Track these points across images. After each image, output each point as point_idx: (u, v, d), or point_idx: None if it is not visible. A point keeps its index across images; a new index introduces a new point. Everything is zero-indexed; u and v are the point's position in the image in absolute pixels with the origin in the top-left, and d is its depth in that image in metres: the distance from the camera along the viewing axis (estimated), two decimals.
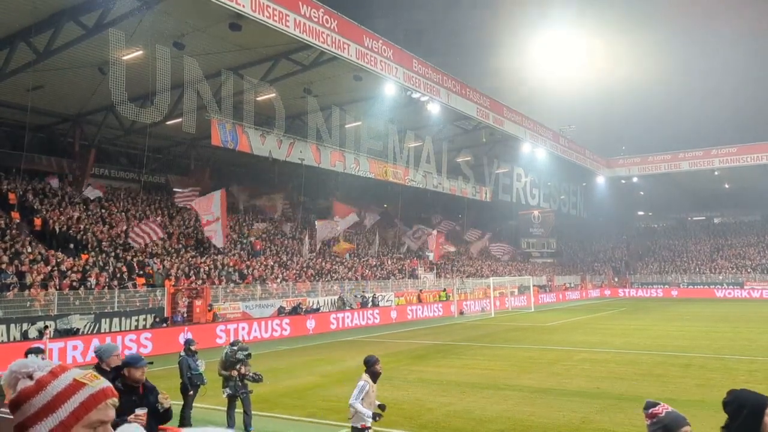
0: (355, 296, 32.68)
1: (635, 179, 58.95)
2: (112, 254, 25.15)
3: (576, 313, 36.85)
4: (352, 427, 7.23)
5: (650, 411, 2.98)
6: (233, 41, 22.79)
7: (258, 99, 26.06)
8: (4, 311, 19.07)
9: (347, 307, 31.05)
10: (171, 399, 5.66)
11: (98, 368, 6.00)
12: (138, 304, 22.79)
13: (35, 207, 26.09)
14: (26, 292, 20.04)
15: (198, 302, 23.90)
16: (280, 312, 27.43)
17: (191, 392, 9.78)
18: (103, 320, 21.02)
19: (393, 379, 14.00)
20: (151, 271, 25.00)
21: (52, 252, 23.16)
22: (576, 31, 76.89)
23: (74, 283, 21.58)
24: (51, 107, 27.89)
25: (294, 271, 32.01)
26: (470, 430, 9.92)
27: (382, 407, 7.32)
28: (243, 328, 23.98)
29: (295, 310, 27.84)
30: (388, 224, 48.11)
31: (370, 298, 33.01)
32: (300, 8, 22.88)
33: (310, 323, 27.25)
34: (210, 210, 28.36)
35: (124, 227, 27.75)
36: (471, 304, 38.91)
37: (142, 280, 24.21)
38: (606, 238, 70.57)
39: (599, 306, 43.64)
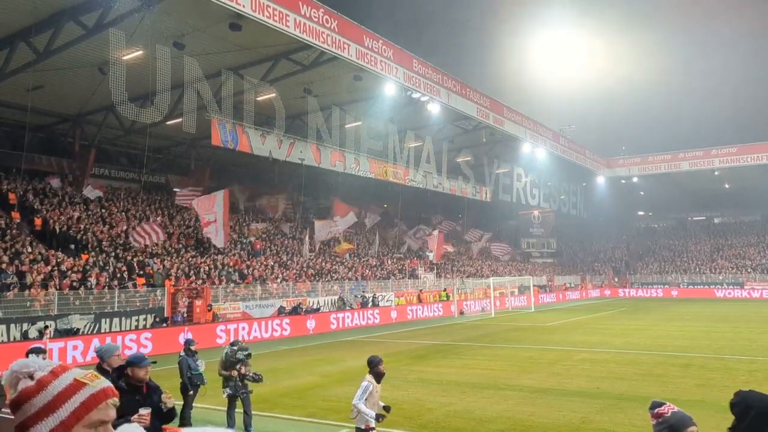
0: (355, 296, 32.69)
1: (635, 179, 58.95)
2: (112, 254, 25.16)
3: (576, 313, 36.85)
4: (356, 428, 7.19)
5: (656, 411, 2.98)
6: (233, 41, 22.79)
7: (258, 99, 26.06)
8: (4, 311, 19.08)
9: (347, 307, 31.05)
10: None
11: (99, 368, 6.00)
12: (138, 304, 22.79)
13: (35, 207, 26.10)
14: (26, 292, 20.05)
15: (198, 302, 23.90)
16: (280, 312, 27.43)
17: (191, 392, 9.78)
18: (103, 320, 21.03)
19: (393, 379, 13.98)
20: (151, 271, 25.01)
21: (52, 252, 23.16)
22: (576, 31, 76.92)
23: (74, 283, 21.59)
24: (51, 107, 27.89)
25: (294, 271, 32.01)
26: (470, 430, 9.93)
27: (386, 408, 7.26)
28: (243, 328, 23.98)
29: (295, 310, 27.84)
30: (388, 224, 48.12)
31: (370, 298, 33.02)
32: (300, 8, 22.89)
33: (310, 323, 27.25)
34: (212, 210, 28.35)
35: (124, 227, 27.77)
36: (471, 304, 38.91)
37: (142, 280, 24.22)
38: (606, 238, 70.58)
39: (599, 306, 43.64)
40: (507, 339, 23.57)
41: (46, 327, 18.43)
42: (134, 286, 23.56)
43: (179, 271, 25.98)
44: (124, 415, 4.46)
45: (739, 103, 75.94)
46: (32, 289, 20.19)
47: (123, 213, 29.37)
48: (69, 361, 17.58)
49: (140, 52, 21.38)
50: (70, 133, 30.52)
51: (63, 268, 22.16)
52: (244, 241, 33.17)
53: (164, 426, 5.46)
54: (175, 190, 34.22)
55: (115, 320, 21.49)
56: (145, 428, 4.58)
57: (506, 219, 62.04)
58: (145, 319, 22.47)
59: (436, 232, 45.38)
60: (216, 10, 20.07)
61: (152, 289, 23.76)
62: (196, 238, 30.39)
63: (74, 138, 30.20)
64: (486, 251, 55.72)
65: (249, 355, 9.76)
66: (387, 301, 34.48)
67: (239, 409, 9.77)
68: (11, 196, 25.98)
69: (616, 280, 62.44)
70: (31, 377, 1.52)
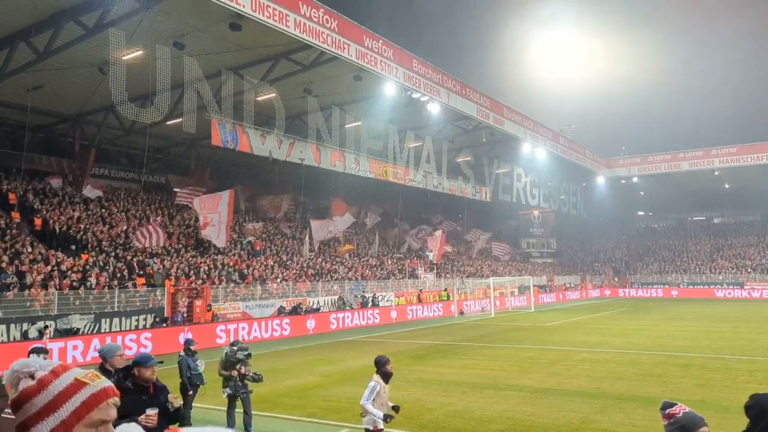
0: (355, 296, 32.69)
1: (635, 179, 58.94)
2: (112, 254, 25.16)
3: (576, 313, 36.85)
4: (365, 429, 7.15)
5: (667, 411, 2.97)
6: (233, 41, 22.79)
7: (258, 99, 26.06)
8: (4, 311, 19.07)
9: (347, 307, 31.06)
10: None
11: (102, 368, 6.00)
12: (138, 304, 22.79)
13: (35, 207, 26.10)
14: (26, 292, 20.05)
15: (198, 302, 23.90)
16: (280, 312, 27.43)
17: (191, 392, 9.78)
18: (103, 320, 21.03)
19: (393, 379, 13.89)
20: (151, 271, 25.01)
21: (52, 252, 23.16)
22: (576, 31, 76.99)
23: (74, 283, 21.59)
24: (51, 107, 27.89)
25: (294, 271, 32.02)
26: (470, 430, 9.93)
27: (395, 408, 7.20)
28: (243, 328, 23.99)
29: (295, 310, 27.84)
30: (388, 224, 48.12)
31: (370, 298, 33.02)
32: (300, 8, 22.88)
33: (310, 323, 27.25)
34: (216, 209, 28.35)
35: (124, 227, 27.78)
36: (471, 304, 38.91)
37: (142, 280, 24.22)
38: (606, 238, 70.58)
39: (599, 306, 43.64)
40: (507, 339, 23.57)
41: (46, 327, 18.44)
42: (134, 286, 23.56)
43: (179, 271, 25.99)
44: (131, 415, 4.45)
45: (739, 103, 76.06)
46: (32, 289, 20.19)
47: (123, 213, 29.38)
48: (69, 361, 17.58)
49: (140, 52, 21.38)
50: (70, 133, 30.52)
51: (63, 268, 22.16)
52: (244, 241, 33.17)
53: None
54: (175, 190, 34.23)
55: (115, 320, 21.50)
56: (152, 428, 4.58)
57: (506, 219, 62.03)
58: (145, 319, 22.48)
59: (438, 232, 45.41)
60: (216, 10, 20.07)
61: (152, 289, 23.76)
62: (196, 238, 30.38)
63: (74, 138, 30.19)
64: (486, 251, 55.73)
65: (249, 355, 9.76)
66: (387, 301, 34.48)
67: (239, 409, 9.77)
68: (11, 196, 25.98)
69: (616, 280, 62.44)
70: (32, 377, 1.52)
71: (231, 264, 29.36)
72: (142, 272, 24.77)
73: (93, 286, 22.05)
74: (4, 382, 1.54)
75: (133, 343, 19.70)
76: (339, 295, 31.95)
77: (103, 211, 28.63)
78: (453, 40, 78.34)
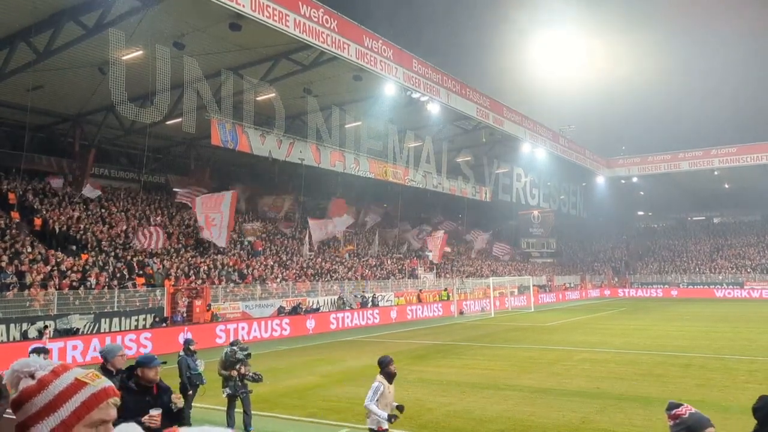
0: (355, 296, 32.70)
1: (635, 179, 58.94)
2: (112, 254, 25.16)
3: (576, 313, 36.86)
4: (369, 429, 7.14)
5: (673, 412, 2.96)
6: (233, 41, 22.79)
7: (258, 99, 26.07)
8: (4, 311, 19.06)
9: (347, 307, 31.05)
10: None
11: (103, 369, 6.00)
12: (138, 304, 22.79)
13: (35, 207, 26.09)
14: (26, 291, 20.05)
15: (198, 302, 23.90)
16: (280, 312, 27.43)
17: (190, 392, 9.78)
18: (102, 320, 21.02)
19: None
20: (150, 271, 25.01)
21: (52, 252, 23.16)
22: (576, 31, 76.95)
23: (74, 283, 21.59)
24: (51, 107, 27.89)
25: (294, 271, 32.01)
26: (470, 430, 9.93)
27: (400, 408, 7.15)
28: (243, 328, 23.98)
29: (295, 310, 27.84)
30: (388, 224, 48.13)
31: (370, 298, 33.02)
32: (300, 8, 22.88)
33: (310, 323, 27.25)
34: (218, 209, 28.37)
35: (124, 227, 27.79)
36: (471, 304, 38.91)
37: (142, 280, 24.22)
38: (606, 238, 70.60)
39: (599, 306, 43.65)
40: (507, 339, 23.57)
41: (46, 327, 18.43)
42: (134, 285, 23.56)
43: (179, 270, 25.99)
44: (134, 415, 4.44)
45: (739, 103, 76.00)
46: (32, 289, 20.18)
47: (123, 213, 29.38)
48: (69, 361, 17.58)
49: (140, 52, 21.38)
50: (70, 133, 30.51)
51: (63, 267, 22.16)
52: (244, 241, 33.17)
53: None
54: (175, 190, 34.23)
55: (115, 320, 21.49)
56: (155, 429, 4.58)
57: (506, 219, 62.01)
58: (145, 319, 22.47)
59: (440, 233, 45.45)
60: (216, 10, 20.07)
61: (152, 289, 23.76)
62: (196, 238, 30.38)
63: (74, 138, 30.18)
64: (486, 251, 55.73)
65: (249, 355, 9.77)
66: (387, 301, 34.48)
67: (239, 409, 9.77)
68: (11, 196, 25.97)
69: (615, 280, 62.44)
70: (32, 377, 1.52)
71: (231, 264, 29.36)
72: (141, 272, 24.76)
73: (93, 286, 22.05)
74: (4, 382, 1.54)
75: (133, 343, 19.70)
76: (339, 295, 31.95)
77: (103, 211, 28.63)
78: (453, 40, 78.36)
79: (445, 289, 39.72)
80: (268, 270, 30.53)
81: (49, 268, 21.75)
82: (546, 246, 63.65)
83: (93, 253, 24.57)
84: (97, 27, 19.73)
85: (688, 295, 53.66)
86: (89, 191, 28.89)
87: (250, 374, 9.74)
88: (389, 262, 41.42)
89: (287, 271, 31.54)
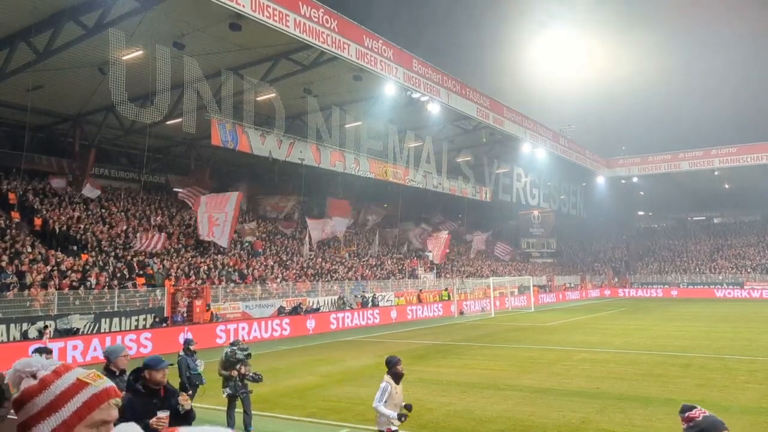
0: (355, 296, 32.70)
1: (635, 179, 58.94)
2: (112, 254, 25.16)
3: (576, 313, 36.86)
4: (378, 431, 7.12)
5: (687, 414, 2.93)
6: (233, 41, 22.79)
7: (258, 99, 26.06)
8: (4, 311, 19.07)
9: (347, 307, 31.06)
10: None
11: (106, 369, 5.99)
12: (138, 304, 22.80)
13: (35, 207, 26.10)
14: (26, 291, 20.05)
15: (198, 302, 23.90)
16: (280, 312, 27.43)
17: (190, 392, 9.78)
18: (103, 320, 21.03)
19: None
20: (151, 271, 25.01)
21: (52, 252, 23.16)
22: (576, 31, 76.99)
23: (74, 283, 21.59)
24: (51, 107, 27.89)
25: (294, 271, 32.01)
26: (470, 430, 9.93)
27: (407, 407, 7.10)
28: (243, 328, 23.98)
29: (295, 310, 27.84)
30: (388, 224, 48.13)
31: (370, 298, 33.02)
32: (300, 8, 22.88)
33: (310, 323, 27.25)
34: (223, 209, 28.39)
35: (124, 227, 27.79)
36: (471, 304, 38.91)
37: (142, 280, 24.22)
38: (606, 238, 70.59)
39: (599, 306, 43.65)
40: (507, 339, 23.57)
41: (46, 327, 18.44)
42: (134, 286, 23.56)
43: (179, 271, 25.99)
44: (141, 417, 4.43)
45: (739, 103, 75.98)
46: (32, 289, 20.19)
47: (123, 213, 29.39)
48: (69, 361, 17.58)
49: (140, 52, 21.38)
50: (70, 133, 30.51)
51: (63, 267, 22.16)
52: (244, 241, 33.16)
53: None
54: (176, 190, 34.23)
55: (115, 320, 21.50)
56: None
57: (506, 219, 62.02)
58: (145, 319, 22.48)
59: (444, 234, 45.46)
60: (216, 10, 20.06)
61: (152, 289, 23.77)
62: (196, 238, 30.38)
63: (74, 138, 30.19)
64: (486, 251, 55.73)
65: (249, 355, 9.76)
66: (387, 301, 34.48)
67: (239, 409, 9.78)
68: (11, 196, 25.98)
69: (615, 280, 62.44)
70: (34, 376, 1.52)
71: (231, 264, 29.36)
72: (142, 272, 24.77)
73: (93, 286, 22.05)
74: (6, 381, 1.54)
75: (133, 343, 19.70)
76: (339, 295, 31.95)
77: (103, 211, 28.64)
78: (453, 40, 78.33)
79: (446, 289, 39.73)
80: (269, 270, 30.54)
81: (49, 268, 21.76)
82: (546, 246, 63.66)
83: (93, 253, 24.57)
84: (97, 27, 19.73)
85: (689, 295, 53.66)
86: (89, 191, 28.91)
87: (251, 374, 9.74)
88: (389, 262, 41.42)
89: (287, 271, 31.54)
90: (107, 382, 1.58)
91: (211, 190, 31.51)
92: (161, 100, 22.06)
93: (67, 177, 29.95)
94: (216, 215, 28.34)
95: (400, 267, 41.28)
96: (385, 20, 59.60)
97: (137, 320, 22.22)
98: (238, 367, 9.63)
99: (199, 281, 26.07)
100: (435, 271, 43.50)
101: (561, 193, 55.61)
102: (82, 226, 25.88)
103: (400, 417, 6.90)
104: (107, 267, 23.83)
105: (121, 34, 19.36)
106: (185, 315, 23.45)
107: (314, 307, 29.50)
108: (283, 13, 21.98)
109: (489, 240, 56.35)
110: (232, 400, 9.72)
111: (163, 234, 27.33)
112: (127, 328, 21.37)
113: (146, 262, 25.61)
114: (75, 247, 24.46)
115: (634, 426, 9.76)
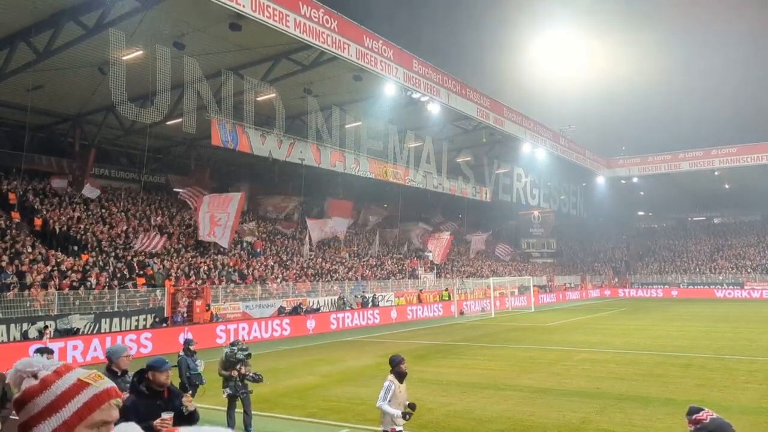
0: (355, 296, 32.69)
1: (635, 179, 58.93)
2: (112, 254, 25.16)
3: (576, 313, 36.86)
4: (383, 431, 7.11)
5: (694, 417, 2.91)
6: (233, 41, 22.79)
7: (258, 99, 26.06)
8: (4, 311, 19.08)
9: (347, 307, 31.06)
10: None
11: (108, 369, 5.99)
12: (138, 304, 22.80)
13: (35, 207, 26.10)
14: (26, 292, 20.05)
15: (198, 302, 23.91)
16: (280, 312, 27.43)
17: (190, 392, 9.77)
18: (103, 320, 21.03)
19: None
20: (151, 271, 25.02)
21: (52, 252, 23.16)
22: (576, 31, 76.96)
23: (74, 283, 21.59)
24: (51, 107, 27.89)
25: (294, 271, 32.01)
26: (470, 430, 9.93)
27: (411, 406, 7.10)
28: (243, 328, 23.98)
29: (295, 310, 27.84)
30: (388, 224, 48.14)
31: (370, 298, 33.02)
32: (300, 8, 22.88)
33: (310, 323, 27.25)
34: (225, 209, 28.40)
35: (124, 227, 27.79)
36: (471, 304, 38.91)
37: (143, 280, 24.23)
38: (606, 238, 70.59)
39: (599, 306, 43.65)
40: (507, 339, 23.57)
41: (46, 327, 18.44)
42: (134, 286, 23.56)
43: (179, 271, 25.99)
44: (145, 419, 4.43)
45: (739, 103, 75.97)
46: (32, 289, 20.19)
47: (123, 213, 29.39)
48: (69, 361, 17.57)
49: (140, 52, 21.39)
50: (70, 133, 30.51)
51: (63, 268, 22.16)
52: (243, 241, 33.16)
53: None
54: (176, 190, 34.23)
55: (115, 320, 21.50)
56: None
57: (506, 219, 62.03)
58: (145, 319, 22.48)
59: (446, 235, 45.44)
60: (216, 10, 20.07)
61: (152, 289, 23.77)
62: (196, 238, 30.38)
63: (74, 138, 30.19)
64: (486, 251, 55.72)
65: (249, 355, 9.76)
66: (387, 301, 34.48)
67: (239, 409, 9.78)
68: (11, 196, 25.99)
69: (616, 280, 62.44)
70: (35, 376, 1.52)
71: (231, 264, 29.36)
72: (142, 272, 24.77)
73: (93, 286, 22.05)
74: (8, 381, 1.54)
75: (133, 343, 19.69)
76: (339, 295, 31.95)
77: (103, 211, 28.64)
78: (453, 40, 78.35)
79: (446, 290, 39.73)
80: (269, 270, 30.53)
81: (49, 268, 21.76)
82: (546, 246, 63.66)
83: (93, 253, 24.57)
84: (97, 27, 19.74)
85: (689, 296, 53.66)
86: (89, 191, 28.91)
87: (251, 374, 9.74)
88: (389, 262, 41.42)
89: (287, 272, 31.54)
90: (108, 383, 1.58)
91: (211, 191, 31.51)
92: (161, 100, 22.06)
93: (68, 177, 29.96)
94: (218, 215, 28.35)
95: (400, 267, 41.28)
96: (385, 20, 59.64)
97: (137, 320, 22.22)
98: (238, 367, 9.63)
99: (199, 281, 26.07)
100: (435, 271, 43.50)
101: (561, 193, 55.60)
102: (82, 227, 25.88)
103: (404, 415, 6.90)
104: (107, 267, 23.84)
105: (121, 34, 19.36)
106: (185, 315, 23.45)
107: (314, 307, 29.50)
108: (283, 13, 21.98)
109: (489, 240, 56.33)
110: (232, 400, 9.72)
111: (161, 236, 27.32)
112: (128, 329, 21.37)
113: (146, 262, 25.61)
114: (75, 248, 24.46)
115: (634, 426, 9.76)
